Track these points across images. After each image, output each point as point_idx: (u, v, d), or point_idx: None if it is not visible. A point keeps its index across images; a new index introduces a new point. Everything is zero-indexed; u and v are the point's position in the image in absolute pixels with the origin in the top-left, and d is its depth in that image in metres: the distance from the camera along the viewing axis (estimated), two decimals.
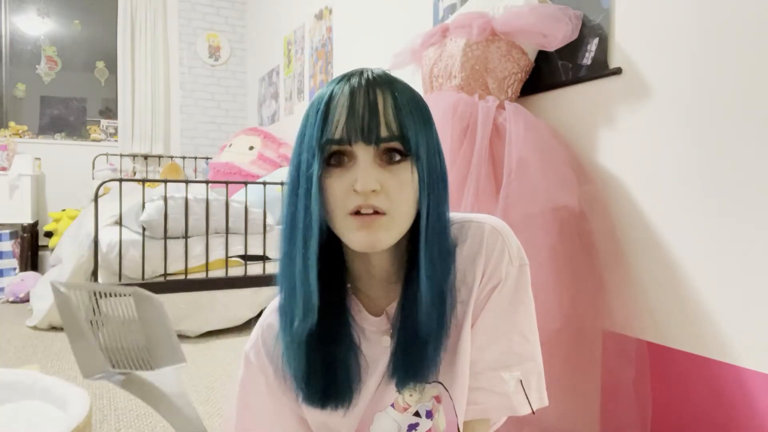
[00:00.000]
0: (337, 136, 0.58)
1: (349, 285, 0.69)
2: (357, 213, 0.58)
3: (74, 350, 0.53)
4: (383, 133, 0.58)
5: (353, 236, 0.59)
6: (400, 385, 0.65)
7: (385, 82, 0.60)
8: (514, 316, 0.67)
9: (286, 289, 0.64)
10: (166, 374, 0.57)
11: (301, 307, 0.61)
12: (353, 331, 0.66)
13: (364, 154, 0.58)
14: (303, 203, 0.59)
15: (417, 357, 0.63)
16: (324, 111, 0.58)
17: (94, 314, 0.55)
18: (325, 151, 0.58)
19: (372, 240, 0.58)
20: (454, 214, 0.69)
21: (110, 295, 0.57)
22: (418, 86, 1.81)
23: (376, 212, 0.58)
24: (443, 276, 0.63)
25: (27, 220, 3.95)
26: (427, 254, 0.61)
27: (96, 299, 0.55)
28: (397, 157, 0.59)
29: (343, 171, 0.59)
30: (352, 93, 0.58)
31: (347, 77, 0.60)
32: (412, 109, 0.60)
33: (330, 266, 0.65)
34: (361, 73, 0.60)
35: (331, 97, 0.59)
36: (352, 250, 0.63)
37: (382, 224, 0.58)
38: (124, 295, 0.57)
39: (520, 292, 0.67)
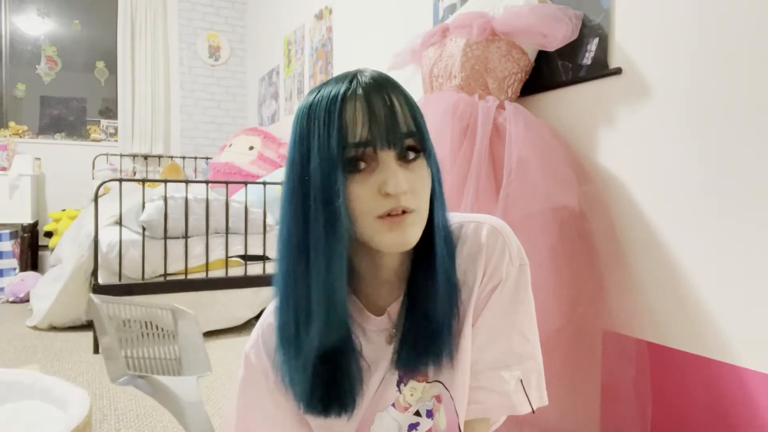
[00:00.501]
0: (361, 140, 0.56)
1: (349, 286, 0.69)
2: (385, 215, 0.57)
3: (104, 357, 0.56)
4: (403, 130, 0.58)
5: (385, 238, 0.58)
6: (405, 378, 0.66)
7: (390, 83, 0.60)
8: (514, 315, 0.67)
9: (294, 311, 0.61)
10: (186, 381, 0.59)
11: (322, 327, 0.59)
12: (355, 337, 0.66)
13: (386, 155, 0.57)
14: (324, 217, 0.56)
15: (428, 348, 0.63)
16: (339, 116, 0.56)
17: (129, 326, 0.57)
18: (345, 158, 0.56)
19: (404, 239, 0.58)
20: (453, 214, 0.69)
21: (151, 310, 0.60)
22: (418, 86, 1.81)
23: (403, 210, 0.58)
24: (451, 269, 0.64)
25: (27, 220, 3.95)
26: (439, 246, 0.62)
27: (134, 314, 0.58)
28: (412, 155, 0.59)
29: (365, 175, 0.57)
30: (368, 95, 0.57)
31: (349, 79, 0.58)
32: (417, 107, 0.61)
33: None
34: (363, 74, 0.59)
35: (344, 101, 0.57)
36: (361, 251, 0.63)
37: (411, 222, 0.58)
38: (164, 310, 0.59)
39: (520, 292, 0.67)
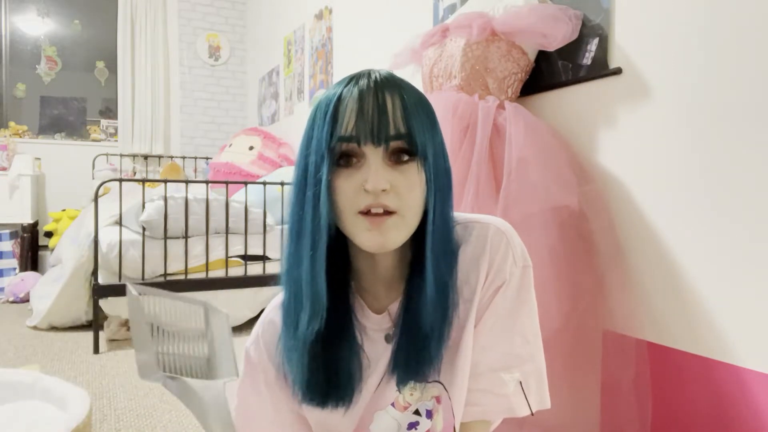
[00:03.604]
0: (346, 134, 0.58)
1: (352, 282, 0.69)
2: (367, 212, 0.58)
3: (136, 351, 0.55)
4: (391, 132, 0.58)
5: (363, 236, 0.59)
6: (401, 382, 0.66)
7: (392, 84, 0.60)
8: (516, 317, 0.67)
9: (293, 291, 0.64)
10: (214, 386, 0.59)
11: (309, 310, 0.61)
12: (356, 331, 0.66)
13: (373, 154, 0.58)
14: (311, 204, 0.60)
15: (419, 354, 0.63)
16: (333, 112, 0.59)
17: (162, 320, 0.56)
18: (334, 152, 0.59)
19: (382, 240, 0.59)
20: (458, 215, 0.69)
21: (182, 304, 0.58)
22: (418, 86, 1.81)
23: (386, 212, 0.58)
24: (447, 275, 0.63)
25: (27, 220, 3.95)
26: (432, 253, 0.62)
27: (167, 306, 0.57)
28: (405, 158, 0.59)
29: (353, 171, 0.59)
30: (361, 94, 0.59)
31: (355, 79, 0.60)
32: (419, 110, 0.60)
33: (335, 265, 0.65)
34: (368, 74, 0.61)
35: (339, 99, 0.59)
36: (358, 249, 0.64)
37: (392, 224, 0.59)
38: (195, 305, 0.58)
39: (523, 294, 0.67)
